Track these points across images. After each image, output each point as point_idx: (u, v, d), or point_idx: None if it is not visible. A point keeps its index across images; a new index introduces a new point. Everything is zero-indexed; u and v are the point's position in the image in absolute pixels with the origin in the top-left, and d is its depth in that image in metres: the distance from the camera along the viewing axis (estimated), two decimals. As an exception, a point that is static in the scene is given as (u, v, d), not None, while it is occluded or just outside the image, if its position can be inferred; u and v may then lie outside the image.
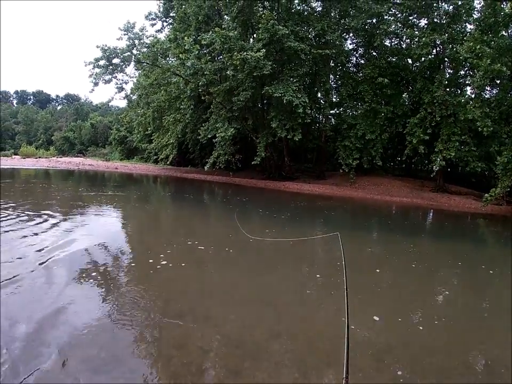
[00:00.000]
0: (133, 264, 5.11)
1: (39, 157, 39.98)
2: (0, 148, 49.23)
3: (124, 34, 18.91)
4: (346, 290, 1.89)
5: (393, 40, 21.93)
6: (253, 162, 17.67)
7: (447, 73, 19.38)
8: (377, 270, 5.43)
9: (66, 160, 35.97)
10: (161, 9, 22.39)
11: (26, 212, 8.07)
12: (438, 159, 17.13)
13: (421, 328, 3.59)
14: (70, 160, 34.85)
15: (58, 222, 7.45)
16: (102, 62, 18.61)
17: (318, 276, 5.10)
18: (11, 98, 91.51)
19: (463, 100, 17.34)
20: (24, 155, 41.43)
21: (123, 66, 18.67)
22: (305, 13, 20.56)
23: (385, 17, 20.39)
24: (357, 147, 17.77)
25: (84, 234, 6.59)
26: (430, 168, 19.06)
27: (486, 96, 18.08)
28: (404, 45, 21.93)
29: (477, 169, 16.87)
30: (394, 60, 21.02)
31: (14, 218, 7.37)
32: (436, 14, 18.76)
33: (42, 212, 8.32)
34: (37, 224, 7.13)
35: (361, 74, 20.01)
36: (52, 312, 3.40)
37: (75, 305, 3.58)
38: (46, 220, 7.47)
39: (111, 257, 5.33)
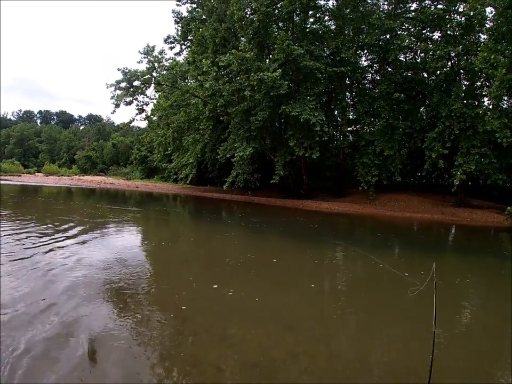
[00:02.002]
0: (151, 280, 4.95)
1: (62, 175, 40.32)
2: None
3: (144, 58, 18.96)
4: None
5: (407, 55, 21.15)
6: (271, 181, 17.14)
7: (463, 85, 18.59)
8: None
9: (88, 178, 36.10)
10: (179, 33, 22.37)
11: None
12: (458, 173, 16.20)
13: None
14: (92, 179, 34.88)
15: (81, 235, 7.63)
16: (123, 84, 18.69)
17: (340, 296, 4.91)
18: (35, 118, 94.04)
19: (480, 112, 16.46)
20: (47, 173, 41.95)
21: (143, 88, 18.62)
22: (320, 32, 20.09)
23: (398, 32, 19.77)
24: (375, 164, 16.99)
25: (103, 248, 6.53)
26: (451, 182, 18.07)
27: (503, 106, 17.12)
28: (419, 59, 21.13)
29: (498, 182, 15.94)
30: (409, 74, 20.28)
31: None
32: (448, 26, 18.06)
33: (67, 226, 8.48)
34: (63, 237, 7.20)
35: (377, 90, 19.25)
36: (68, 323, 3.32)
37: (89, 318, 3.45)
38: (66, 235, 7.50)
39: (128, 272, 5.15)
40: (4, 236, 6.92)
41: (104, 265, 5.38)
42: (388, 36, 20.17)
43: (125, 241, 7.51)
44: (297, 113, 15.74)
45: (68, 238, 7.32)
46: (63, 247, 6.51)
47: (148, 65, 18.68)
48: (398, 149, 17.36)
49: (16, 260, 5.29)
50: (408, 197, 17.71)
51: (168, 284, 4.88)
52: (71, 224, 8.94)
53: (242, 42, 18.82)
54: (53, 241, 6.85)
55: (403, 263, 7.04)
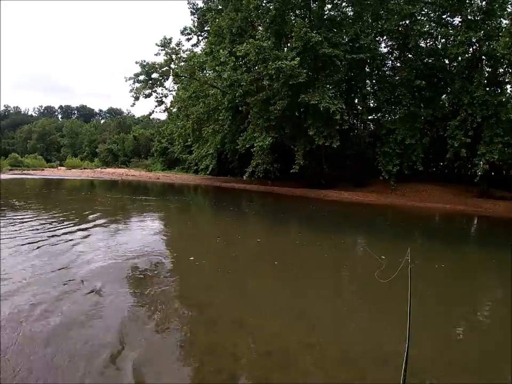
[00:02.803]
0: (170, 269, 5.00)
1: (84, 168, 40.59)
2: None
3: (161, 50, 18.53)
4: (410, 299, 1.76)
5: (428, 41, 20.06)
6: (291, 171, 16.68)
7: (485, 72, 17.53)
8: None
9: (110, 171, 36.09)
10: (195, 24, 21.84)
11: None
12: (481, 163, 15.36)
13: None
14: (114, 171, 34.85)
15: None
16: (141, 77, 18.39)
17: (355, 286, 4.94)
18: (56, 113, 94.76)
19: (504, 99, 15.78)
20: (69, 166, 42.34)
21: (162, 81, 18.23)
22: (337, 19, 19.21)
23: (418, 17, 18.77)
24: (396, 152, 16.25)
25: (129, 239, 6.62)
26: (473, 172, 17.19)
27: (527, 94, 16.28)
28: (439, 45, 20.04)
29: (522, 172, 14.98)
30: (430, 61, 19.25)
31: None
32: (469, 10, 17.14)
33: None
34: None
35: (397, 77, 18.35)
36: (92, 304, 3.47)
37: (107, 301, 3.56)
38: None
39: (151, 261, 5.16)
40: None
41: (130, 253, 5.46)
42: (407, 22, 19.17)
43: (149, 232, 7.48)
44: (316, 102, 15.15)
45: (97, 226, 7.58)
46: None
47: (166, 57, 18.29)
48: (419, 137, 16.59)
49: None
50: (430, 186, 16.95)
51: (189, 273, 4.84)
52: (101, 214, 9.17)
53: (259, 31, 18.19)
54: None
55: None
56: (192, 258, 5.41)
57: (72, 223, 7.65)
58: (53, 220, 7.81)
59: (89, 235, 6.69)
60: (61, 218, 8.15)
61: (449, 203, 15.19)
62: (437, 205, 14.99)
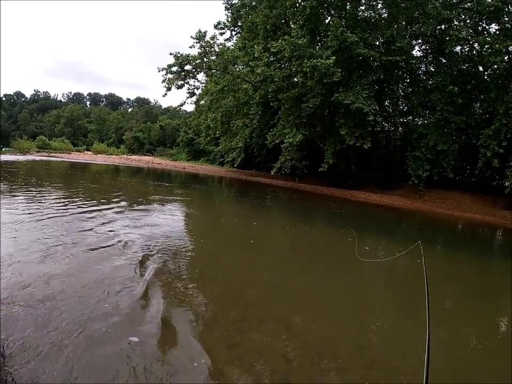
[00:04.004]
0: (205, 265, 4.64)
1: (110, 154, 40.41)
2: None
3: (196, 43, 18.00)
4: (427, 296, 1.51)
5: (464, 47, 19.01)
6: (320, 169, 16.09)
7: (522, 82, 16.45)
8: None
9: (136, 158, 35.67)
10: (229, 19, 21.21)
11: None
12: (512, 175, 14.45)
13: None
14: (140, 158, 34.43)
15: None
16: (174, 69, 18.01)
17: (402, 288, 4.73)
18: (84, 100, 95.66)
19: None
20: (96, 151, 42.15)
21: (195, 73, 17.70)
22: (372, 20, 18.33)
23: (455, 23, 17.81)
24: (427, 158, 15.40)
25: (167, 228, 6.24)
26: (502, 183, 16.26)
27: None
28: (474, 51, 18.99)
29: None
30: (464, 67, 18.26)
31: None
32: (507, 19, 16.25)
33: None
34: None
35: (431, 82, 17.43)
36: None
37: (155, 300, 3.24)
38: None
39: (180, 257, 4.73)
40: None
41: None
42: (443, 26, 18.26)
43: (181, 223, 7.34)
44: (350, 102, 14.46)
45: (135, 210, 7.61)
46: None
47: (200, 50, 17.77)
48: (451, 144, 15.72)
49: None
50: (459, 194, 16.13)
51: (225, 270, 4.55)
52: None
53: (294, 28, 17.48)
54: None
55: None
56: (223, 255, 5.17)
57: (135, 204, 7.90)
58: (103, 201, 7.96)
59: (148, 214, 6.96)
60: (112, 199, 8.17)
61: (478, 213, 14.41)
62: (466, 214, 14.23)
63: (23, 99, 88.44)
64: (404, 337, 3.19)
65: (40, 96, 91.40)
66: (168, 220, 6.77)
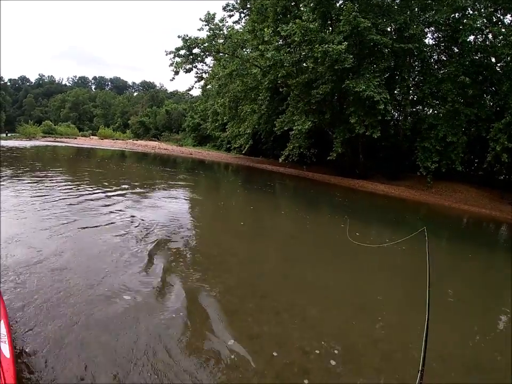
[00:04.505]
0: (221, 256, 4.54)
1: (116, 139, 39.72)
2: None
3: (205, 25, 17.35)
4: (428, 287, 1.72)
5: (477, 37, 18.24)
6: (328, 158, 15.66)
7: (535, 76, 15.84)
8: None
9: (142, 143, 35.03)
10: (238, 1, 20.28)
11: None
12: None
13: None
14: (146, 143, 33.77)
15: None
16: (182, 52, 17.37)
17: (414, 281, 4.53)
18: (89, 84, 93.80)
19: None
20: (101, 136, 41.50)
21: (203, 56, 17.05)
22: (385, 5, 17.53)
23: (469, 11, 17.08)
24: (436, 149, 14.93)
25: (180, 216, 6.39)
26: (509, 178, 15.84)
27: None
28: (488, 42, 18.24)
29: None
30: (476, 58, 17.56)
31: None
32: None
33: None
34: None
35: (442, 71, 16.78)
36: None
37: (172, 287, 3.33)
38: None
39: (197, 246, 4.87)
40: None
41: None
42: (456, 15, 17.49)
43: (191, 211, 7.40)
44: (361, 89, 13.88)
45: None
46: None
47: (209, 33, 17.11)
48: (461, 136, 15.22)
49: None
50: (466, 188, 15.73)
51: (237, 258, 4.56)
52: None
53: (305, 11, 16.71)
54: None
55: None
56: (238, 243, 5.21)
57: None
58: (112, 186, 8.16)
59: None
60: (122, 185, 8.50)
61: (485, 208, 14.03)
62: (473, 208, 13.85)
63: (27, 83, 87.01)
64: (415, 329, 3.01)
65: (45, 80, 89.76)
66: (178, 206, 7.09)
